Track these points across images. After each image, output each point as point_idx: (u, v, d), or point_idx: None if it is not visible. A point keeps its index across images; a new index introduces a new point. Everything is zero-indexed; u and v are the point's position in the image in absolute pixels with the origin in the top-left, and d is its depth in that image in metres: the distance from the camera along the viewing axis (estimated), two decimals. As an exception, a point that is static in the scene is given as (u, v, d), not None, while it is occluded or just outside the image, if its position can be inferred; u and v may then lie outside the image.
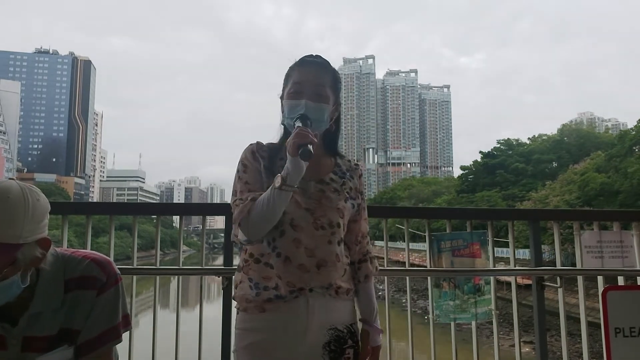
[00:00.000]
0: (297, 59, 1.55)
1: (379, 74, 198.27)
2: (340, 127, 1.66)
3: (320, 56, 1.57)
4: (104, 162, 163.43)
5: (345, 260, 1.51)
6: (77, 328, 1.27)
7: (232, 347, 1.49)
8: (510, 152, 47.20)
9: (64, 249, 1.34)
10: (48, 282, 1.24)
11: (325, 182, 1.52)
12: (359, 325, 1.57)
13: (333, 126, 1.59)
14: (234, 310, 2.31)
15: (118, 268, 1.37)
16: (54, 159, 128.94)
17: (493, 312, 2.44)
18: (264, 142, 1.56)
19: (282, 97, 1.56)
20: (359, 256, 1.59)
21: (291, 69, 1.55)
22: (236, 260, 1.63)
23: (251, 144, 1.54)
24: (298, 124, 1.41)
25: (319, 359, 1.43)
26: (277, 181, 1.34)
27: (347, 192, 1.53)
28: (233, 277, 1.54)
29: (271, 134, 1.61)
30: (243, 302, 1.45)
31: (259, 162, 1.50)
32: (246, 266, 1.47)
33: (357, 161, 1.72)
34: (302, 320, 1.41)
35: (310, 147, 1.31)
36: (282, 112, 1.55)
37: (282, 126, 1.58)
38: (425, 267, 2.48)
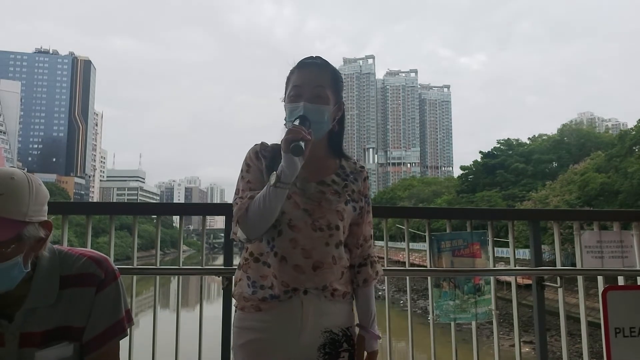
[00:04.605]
0: (297, 62, 1.53)
1: (379, 74, 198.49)
2: (344, 128, 1.63)
3: (320, 57, 1.55)
4: (104, 162, 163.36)
5: (343, 263, 1.49)
6: (77, 325, 1.27)
7: (232, 345, 1.50)
8: (510, 152, 47.17)
9: (61, 247, 1.35)
10: (44, 277, 1.25)
11: (326, 184, 1.50)
12: (357, 330, 1.55)
13: (336, 127, 1.57)
14: (234, 310, 2.32)
15: (118, 268, 1.37)
16: (54, 159, 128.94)
17: (493, 312, 2.44)
18: (269, 143, 1.54)
19: (284, 101, 1.54)
20: (359, 260, 1.57)
21: (291, 72, 1.53)
22: (236, 260, 1.63)
23: (256, 144, 1.54)
24: (296, 123, 1.40)
25: None
26: (272, 179, 1.34)
27: (349, 195, 1.52)
28: (234, 275, 1.54)
29: (272, 134, 1.60)
30: (241, 300, 1.47)
31: (262, 161, 1.49)
32: (245, 264, 1.48)
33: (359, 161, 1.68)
34: (297, 321, 1.41)
35: (302, 143, 1.30)
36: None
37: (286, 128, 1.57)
38: (426, 267, 2.48)
